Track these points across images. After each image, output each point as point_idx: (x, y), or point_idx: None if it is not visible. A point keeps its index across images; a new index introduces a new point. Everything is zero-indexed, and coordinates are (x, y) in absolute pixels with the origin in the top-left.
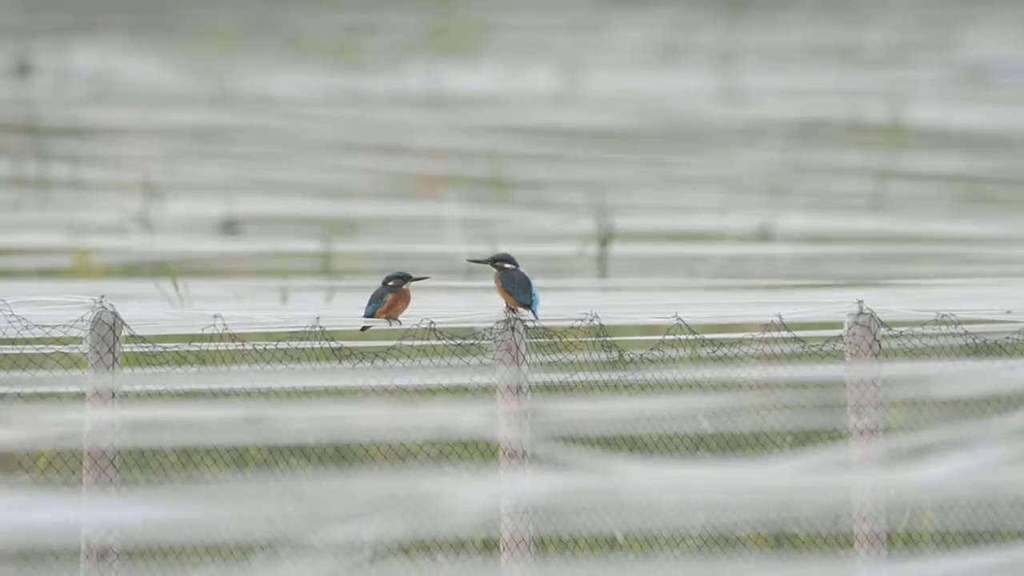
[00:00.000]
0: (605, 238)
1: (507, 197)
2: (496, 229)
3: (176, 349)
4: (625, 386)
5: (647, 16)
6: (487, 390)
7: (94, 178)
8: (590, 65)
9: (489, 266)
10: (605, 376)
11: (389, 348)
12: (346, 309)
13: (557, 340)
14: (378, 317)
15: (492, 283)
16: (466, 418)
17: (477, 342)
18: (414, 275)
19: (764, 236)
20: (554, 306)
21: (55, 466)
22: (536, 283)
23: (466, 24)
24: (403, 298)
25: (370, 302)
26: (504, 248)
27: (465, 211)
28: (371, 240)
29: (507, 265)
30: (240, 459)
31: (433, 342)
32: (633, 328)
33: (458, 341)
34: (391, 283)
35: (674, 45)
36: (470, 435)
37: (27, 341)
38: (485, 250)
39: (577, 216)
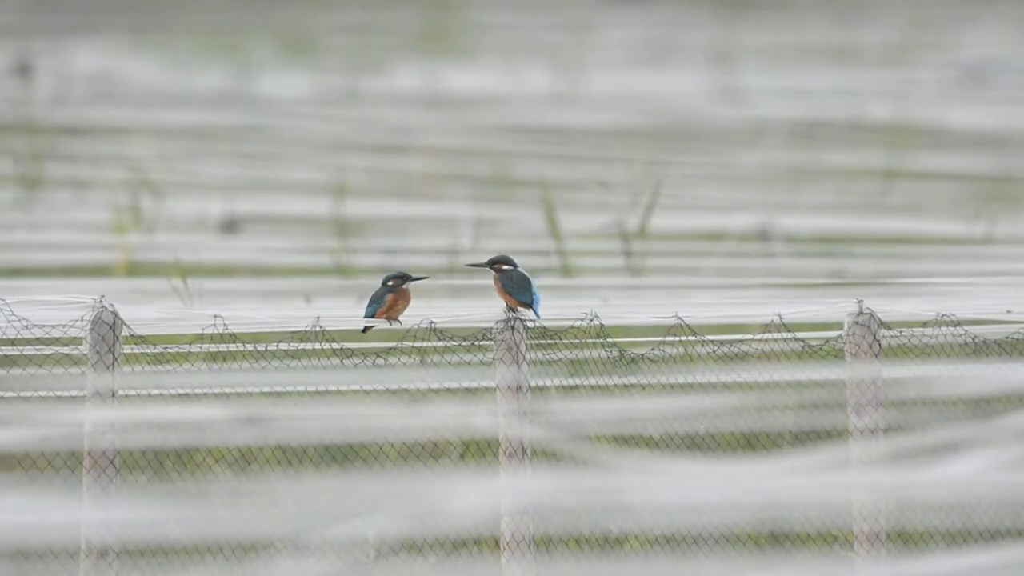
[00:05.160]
0: (632, 236)
1: (511, 196)
2: (502, 228)
3: (176, 349)
4: (626, 386)
5: (644, 15)
6: (489, 390)
7: (94, 177)
8: (588, 64)
9: (488, 269)
10: (606, 376)
11: (390, 349)
12: (346, 309)
13: (557, 340)
14: (378, 318)
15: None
16: (475, 419)
17: (477, 342)
18: (413, 275)
19: (764, 236)
20: (570, 306)
21: (55, 466)
22: (536, 282)
23: (463, 24)
24: (403, 298)
25: (370, 303)
26: (507, 247)
27: (468, 210)
28: (372, 239)
29: (504, 267)
30: (241, 459)
31: (434, 343)
32: (657, 329)
33: (458, 341)
34: (391, 283)
35: (672, 44)
36: (473, 435)
37: (27, 341)
38: (490, 248)
39: (589, 214)
